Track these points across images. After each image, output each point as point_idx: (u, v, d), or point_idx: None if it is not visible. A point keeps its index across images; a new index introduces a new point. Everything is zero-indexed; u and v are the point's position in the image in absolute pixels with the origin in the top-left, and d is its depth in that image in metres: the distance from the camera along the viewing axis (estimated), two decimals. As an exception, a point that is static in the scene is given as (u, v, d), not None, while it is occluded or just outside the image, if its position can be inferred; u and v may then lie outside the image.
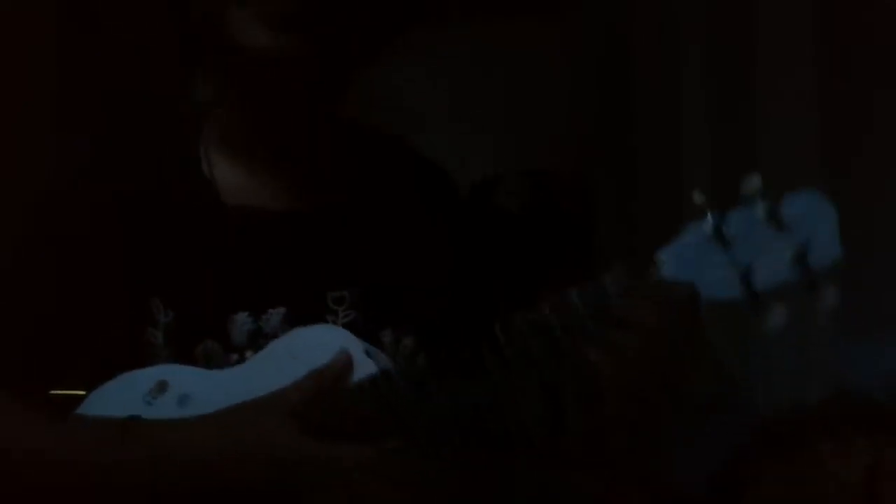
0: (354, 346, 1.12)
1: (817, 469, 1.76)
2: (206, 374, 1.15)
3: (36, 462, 1.10)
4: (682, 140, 2.45)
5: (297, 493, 1.04)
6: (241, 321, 1.18)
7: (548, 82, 2.78)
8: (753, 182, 0.97)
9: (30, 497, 1.09)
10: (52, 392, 1.15)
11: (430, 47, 2.81)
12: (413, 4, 1.28)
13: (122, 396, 1.14)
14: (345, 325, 1.19)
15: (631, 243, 2.44)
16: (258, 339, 1.18)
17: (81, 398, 1.16)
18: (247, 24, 1.12)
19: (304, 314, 1.18)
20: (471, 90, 2.82)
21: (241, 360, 1.18)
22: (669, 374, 1.03)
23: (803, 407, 1.89)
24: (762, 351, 2.43)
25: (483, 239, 1.26)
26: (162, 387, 1.14)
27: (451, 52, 2.83)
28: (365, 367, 1.11)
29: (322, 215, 1.22)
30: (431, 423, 1.09)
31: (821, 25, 2.35)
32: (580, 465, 1.14)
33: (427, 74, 2.80)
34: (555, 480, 1.13)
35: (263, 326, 1.18)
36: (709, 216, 0.97)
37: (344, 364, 1.10)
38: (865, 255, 2.32)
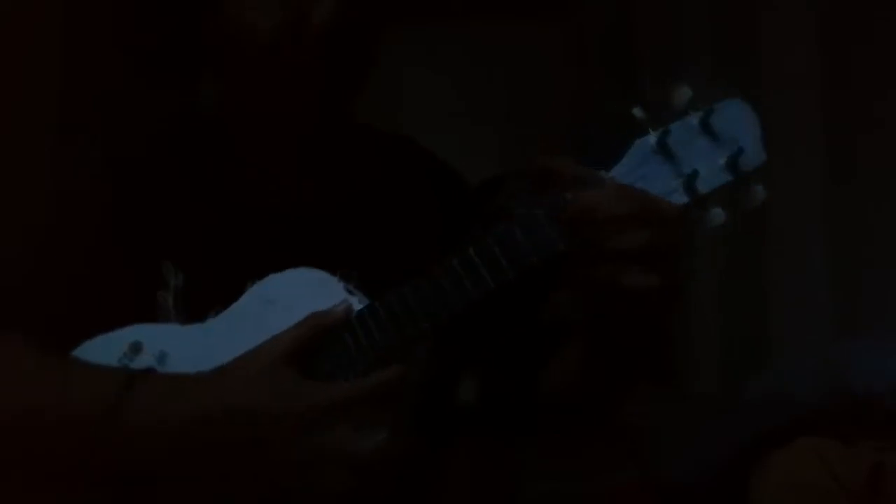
0: (333, 284, 1.11)
1: (820, 469, 1.76)
2: (179, 330, 1.12)
3: (39, 404, 1.08)
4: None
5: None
6: None
7: (550, 82, 2.79)
8: (684, 93, 1.05)
9: (33, 439, 1.08)
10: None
11: (430, 47, 2.82)
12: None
13: (95, 361, 1.10)
14: None
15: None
16: None
17: None
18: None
19: None
20: (473, 90, 2.82)
21: None
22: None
23: (804, 406, 1.89)
24: (762, 351, 2.45)
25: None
26: (136, 348, 1.11)
27: (452, 52, 2.84)
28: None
29: (334, 216, 1.22)
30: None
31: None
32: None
33: (428, 74, 2.81)
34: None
35: None
36: (651, 132, 1.05)
37: (346, 310, 1.09)
38: (866, 256, 2.34)
